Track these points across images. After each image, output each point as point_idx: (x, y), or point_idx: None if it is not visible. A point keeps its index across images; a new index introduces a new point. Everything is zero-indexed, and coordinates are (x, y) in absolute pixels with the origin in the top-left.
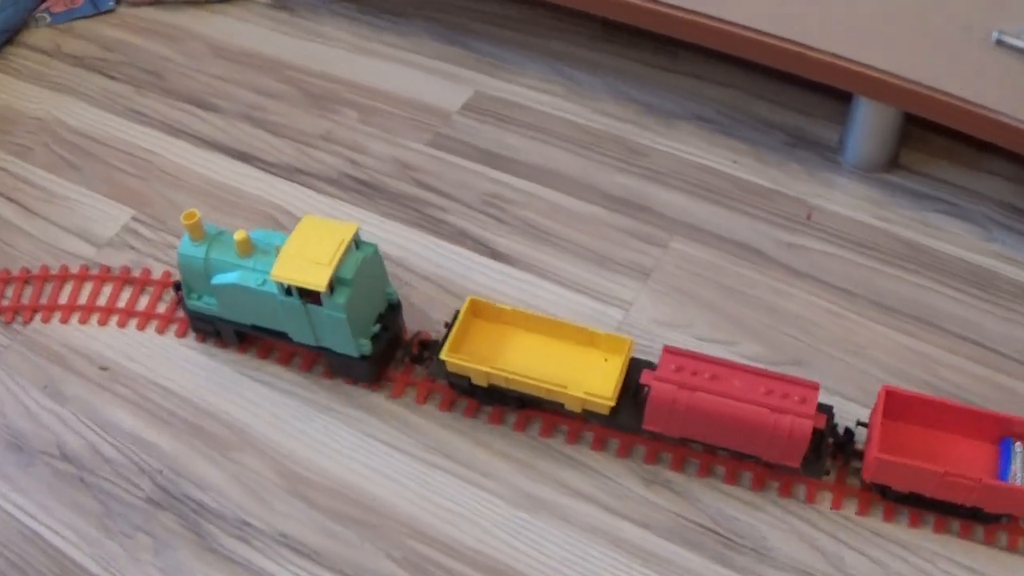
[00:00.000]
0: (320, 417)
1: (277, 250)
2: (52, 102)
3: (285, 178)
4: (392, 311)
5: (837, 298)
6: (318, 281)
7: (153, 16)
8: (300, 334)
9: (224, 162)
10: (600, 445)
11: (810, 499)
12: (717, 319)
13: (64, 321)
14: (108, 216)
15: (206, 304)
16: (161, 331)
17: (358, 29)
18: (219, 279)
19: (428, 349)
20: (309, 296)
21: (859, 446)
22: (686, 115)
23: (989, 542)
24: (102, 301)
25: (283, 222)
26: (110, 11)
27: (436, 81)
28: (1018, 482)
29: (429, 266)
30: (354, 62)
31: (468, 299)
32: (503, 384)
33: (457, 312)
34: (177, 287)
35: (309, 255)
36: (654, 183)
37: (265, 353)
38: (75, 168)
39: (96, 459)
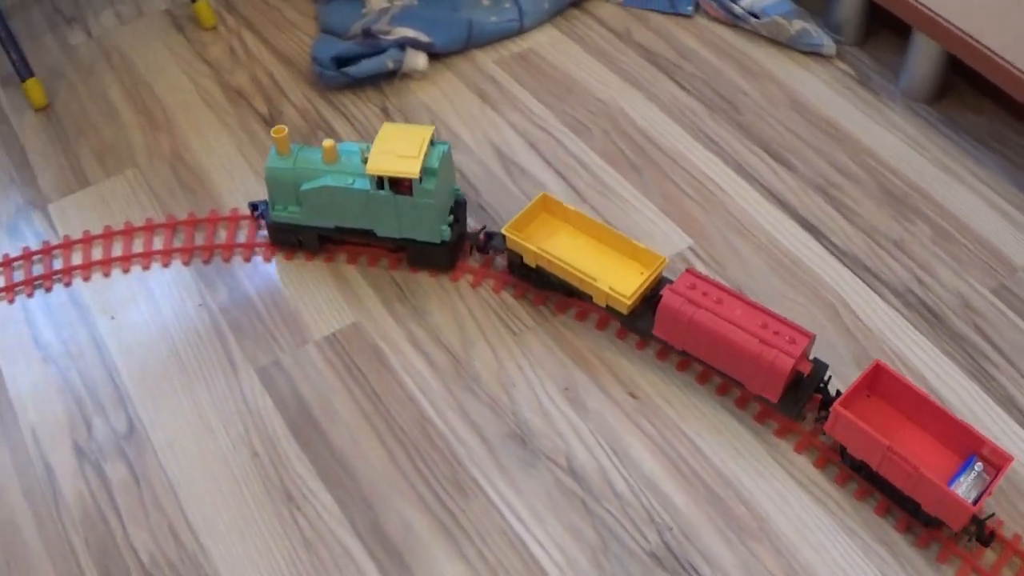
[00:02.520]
0: (843, 538)
1: (361, 154)
2: (618, 89)
3: (850, 269)
4: (459, 207)
5: None
6: (411, 170)
7: (731, 39)
8: (386, 228)
9: (790, 227)
10: None
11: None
12: None
13: (601, 328)
14: (664, 235)
15: (290, 214)
16: (702, 382)
17: (939, 141)
18: (308, 185)
19: (492, 240)
20: (400, 187)
21: None
22: None
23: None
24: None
25: (843, 316)
26: (687, 16)
27: (1008, 228)
28: (960, 493)
29: (971, 418)
30: (933, 175)
31: (541, 194)
32: (546, 267)
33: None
34: (254, 208)
35: (397, 151)
36: None
37: (783, 432)
38: (636, 170)
39: (605, 488)
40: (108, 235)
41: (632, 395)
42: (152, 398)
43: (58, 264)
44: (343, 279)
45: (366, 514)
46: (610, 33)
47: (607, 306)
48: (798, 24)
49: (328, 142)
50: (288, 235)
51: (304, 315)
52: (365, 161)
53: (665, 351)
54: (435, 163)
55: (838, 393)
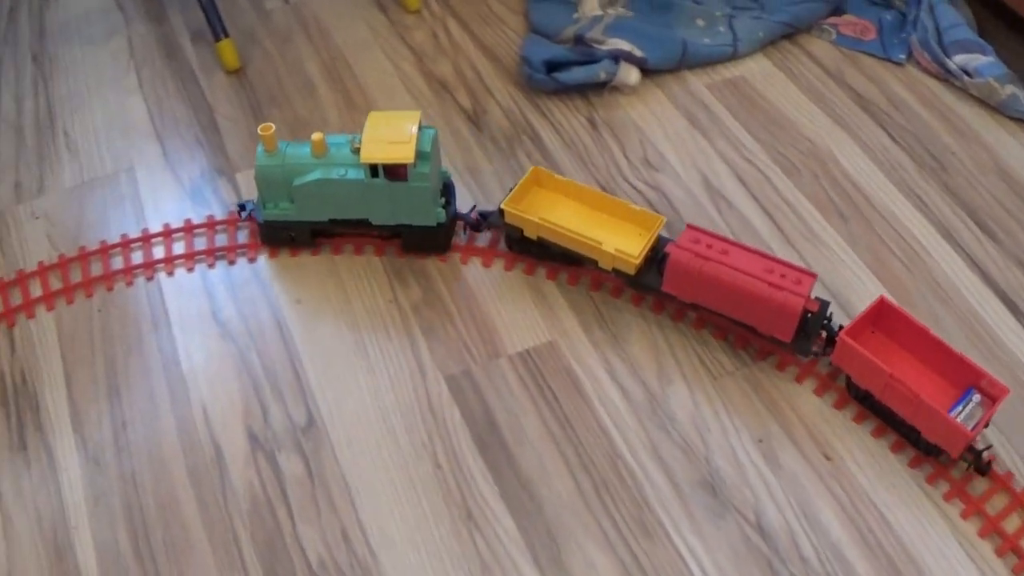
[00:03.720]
0: None
1: (350, 144)
2: (828, 130)
3: None
4: (448, 189)
5: None
6: (406, 155)
7: (940, 93)
8: (381, 215)
9: (992, 301)
10: None
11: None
12: None
13: (800, 380)
14: (868, 292)
15: (282, 210)
16: (896, 451)
17: None
18: (301, 180)
19: (486, 218)
20: (395, 173)
21: None
22: None
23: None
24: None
25: None
26: (899, 63)
27: None
28: (958, 422)
29: None
30: None
31: (532, 168)
32: (549, 237)
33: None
34: (241, 208)
35: (388, 138)
36: None
37: (969, 513)
38: (842, 218)
39: (792, 550)
40: None
41: (826, 456)
42: (334, 392)
43: (243, 238)
44: (540, 294)
45: (548, 546)
46: (822, 71)
47: (613, 269)
48: (1009, 88)
49: (317, 135)
50: (280, 232)
51: (499, 327)
52: (355, 151)
53: (862, 415)
54: (427, 147)
55: (840, 327)
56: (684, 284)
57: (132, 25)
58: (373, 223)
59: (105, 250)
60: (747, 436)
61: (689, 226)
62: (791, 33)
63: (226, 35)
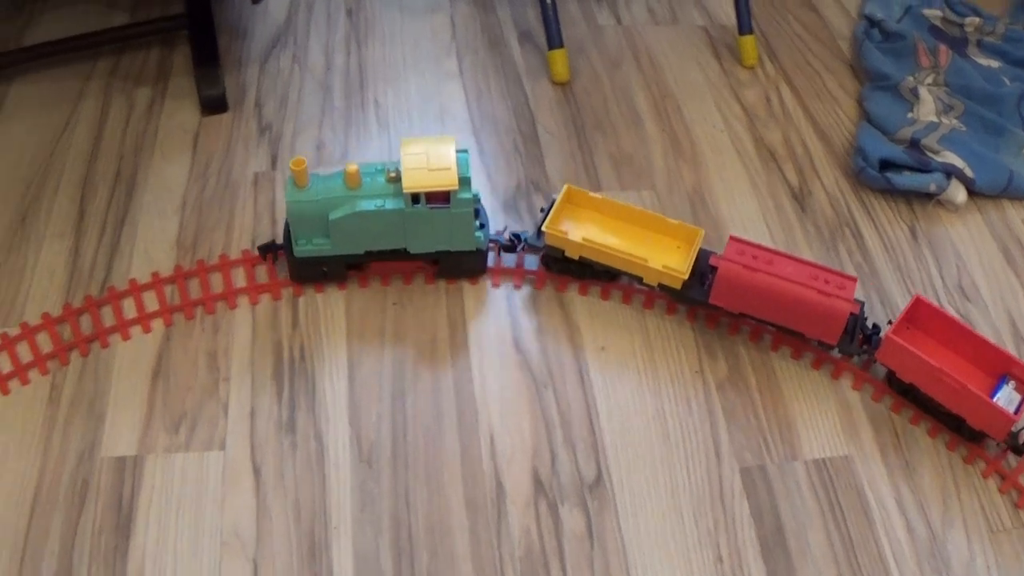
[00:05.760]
0: None
1: (384, 173)
2: None
3: None
4: (478, 213)
5: None
6: (450, 182)
7: None
8: (420, 243)
9: None
10: None
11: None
12: None
13: None
14: None
15: (316, 246)
16: None
17: None
18: (337, 213)
19: (519, 239)
20: (437, 200)
21: None
22: None
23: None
24: None
25: None
26: None
27: None
28: (1003, 407)
29: None
30: None
31: (565, 186)
32: (592, 256)
33: (554, 199)
34: (265, 250)
35: (428, 165)
36: None
37: None
38: None
39: None
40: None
41: None
42: (627, 455)
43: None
44: (845, 401)
45: None
46: None
47: (659, 284)
48: None
49: (352, 166)
50: (313, 269)
51: (799, 427)
52: (391, 180)
53: None
54: (466, 171)
55: (875, 326)
56: (733, 296)
57: (456, 4)
58: (411, 252)
59: None
60: None
61: (732, 238)
62: None
63: (561, 45)
